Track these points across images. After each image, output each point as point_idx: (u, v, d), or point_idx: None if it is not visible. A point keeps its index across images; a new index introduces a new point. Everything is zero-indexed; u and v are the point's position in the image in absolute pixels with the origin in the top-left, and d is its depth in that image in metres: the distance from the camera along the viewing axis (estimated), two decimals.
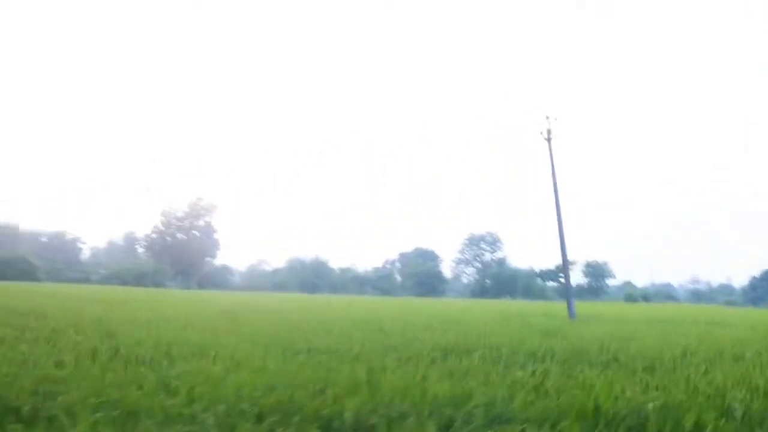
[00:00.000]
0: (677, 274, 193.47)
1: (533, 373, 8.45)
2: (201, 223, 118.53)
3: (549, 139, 29.51)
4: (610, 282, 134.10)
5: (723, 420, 5.84)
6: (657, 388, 7.51)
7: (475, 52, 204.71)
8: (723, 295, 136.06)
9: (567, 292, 31.39)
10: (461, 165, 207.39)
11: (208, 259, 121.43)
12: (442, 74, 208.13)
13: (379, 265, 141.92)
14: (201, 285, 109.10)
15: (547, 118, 29.55)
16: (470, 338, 13.94)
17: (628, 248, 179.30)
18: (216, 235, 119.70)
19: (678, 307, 59.65)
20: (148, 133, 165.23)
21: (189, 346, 10.88)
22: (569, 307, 29.47)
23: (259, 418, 5.58)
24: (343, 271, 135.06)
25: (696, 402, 6.49)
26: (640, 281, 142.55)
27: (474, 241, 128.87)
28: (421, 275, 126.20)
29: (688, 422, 5.69)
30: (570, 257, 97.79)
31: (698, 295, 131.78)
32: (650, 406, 6.09)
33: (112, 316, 17.89)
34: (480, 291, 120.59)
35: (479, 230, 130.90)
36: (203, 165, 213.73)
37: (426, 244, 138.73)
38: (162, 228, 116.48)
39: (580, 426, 5.61)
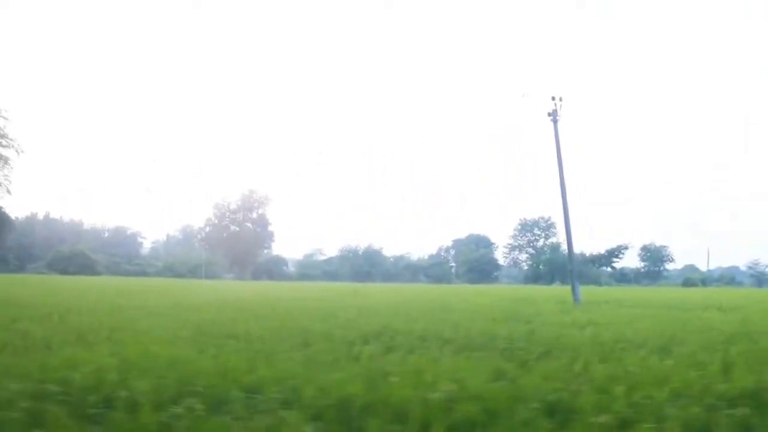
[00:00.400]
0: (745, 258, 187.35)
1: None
2: (254, 215, 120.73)
3: (555, 121, 29.07)
4: (670, 266, 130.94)
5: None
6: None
7: (475, 52, 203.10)
8: None
9: (571, 277, 30.91)
10: (513, 149, 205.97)
11: (263, 250, 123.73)
12: (462, 61, 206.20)
13: (434, 252, 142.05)
14: (255, 276, 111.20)
15: (553, 99, 29.12)
16: (417, 324, 14.01)
17: (694, 231, 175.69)
18: (270, 227, 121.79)
19: (717, 291, 57.68)
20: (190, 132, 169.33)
21: (114, 331, 11.44)
22: (573, 292, 29.07)
23: (46, 397, 5.89)
24: (397, 259, 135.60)
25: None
26: (711, 264, 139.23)
27: (527, 227, 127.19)
28: (473, 262, 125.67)
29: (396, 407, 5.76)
30: (624, 241, 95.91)
31: (761, 280, 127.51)
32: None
33: (91, 306, 18.66)
34: (534, 277, 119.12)
35: (533, 215, 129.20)
36: (255, 159, 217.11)
37: (480, 230, 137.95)
38: (215, 221, 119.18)
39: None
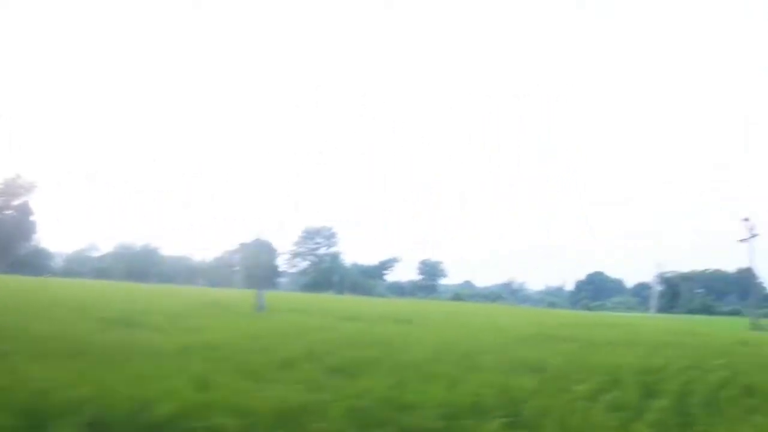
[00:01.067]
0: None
1: None
2: (17, 202, 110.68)
3: None
4: (445, 281, 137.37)
5: None
6: None
7: (474, 52, 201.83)
8: (554, 297, 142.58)
9: (258, 285, 30.68)
10: (309, 154, 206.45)
11: (25, 242, 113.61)
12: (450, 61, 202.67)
13: (219, 255, 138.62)
14: (13, 269, 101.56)
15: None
16: None
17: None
18: (33, 217, 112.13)
19: (442, 305, 60.88)
20: None
21: None
22: (258, 298, 28.69)
23: None
24: (177, 259, 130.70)
25: None
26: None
27: (310, 235, 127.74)
28: (254, 267, 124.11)
29: None
30: (396, 254, 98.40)
31: (518, 298, 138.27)
32: None
33: None
34: (313, 285, 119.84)
35: (317, 224, 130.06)
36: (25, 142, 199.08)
37: (267, 236, 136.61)
38: None
39: None
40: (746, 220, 45.77)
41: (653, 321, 41.88)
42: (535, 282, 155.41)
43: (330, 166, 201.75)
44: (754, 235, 45.66)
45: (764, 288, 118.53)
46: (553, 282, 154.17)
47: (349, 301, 48.21)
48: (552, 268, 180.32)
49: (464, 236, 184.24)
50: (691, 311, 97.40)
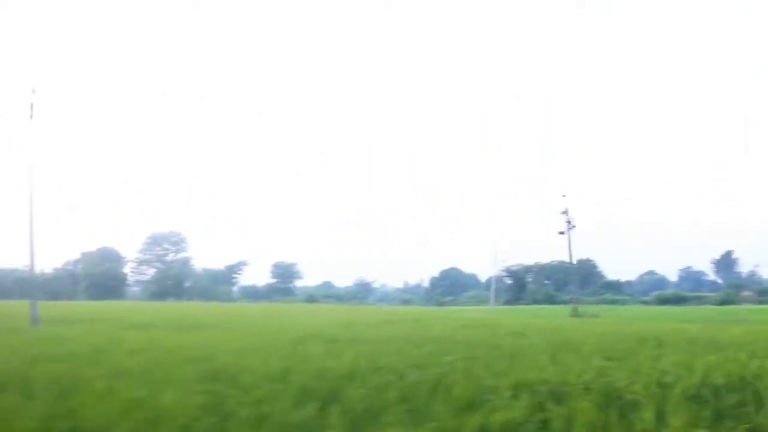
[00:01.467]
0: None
1: None
2: None
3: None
4: (302, 282, 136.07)
5: None
6: None
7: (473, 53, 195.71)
8: (410, 294, 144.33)
9: (32, 296, 28.26)
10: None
11: None
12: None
13: (60, 265, 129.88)
14: None
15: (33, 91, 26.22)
16: None
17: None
18: None
19: (264, 308, 59.75)
20: None
21: None
22: (32, 310, 26.31)
23: None
24: (8, 272, 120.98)
25: None
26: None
27: (157, 241, 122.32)
28: (98, 276, 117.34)
29: None
30: (245, 257, 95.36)
31: (381, 296, 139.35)
32: None
33: None
34: (160, 293, 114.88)
35: (164, 229, 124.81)
36: None
37: (111, 243, 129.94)
38: None
39: None
40: (564, 212, 47.47)
41: (477, 314, 42.56)
42: (396, 280, 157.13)
43: (188, 169, 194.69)
44: (571, 227, 47.48)
45: (603, 276, 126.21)
46: (413, 280, 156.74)
47: (171, 309, 45.84)
48: (413, 265, 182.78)
49: (323, 236, 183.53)
50: (536, 301, 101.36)
